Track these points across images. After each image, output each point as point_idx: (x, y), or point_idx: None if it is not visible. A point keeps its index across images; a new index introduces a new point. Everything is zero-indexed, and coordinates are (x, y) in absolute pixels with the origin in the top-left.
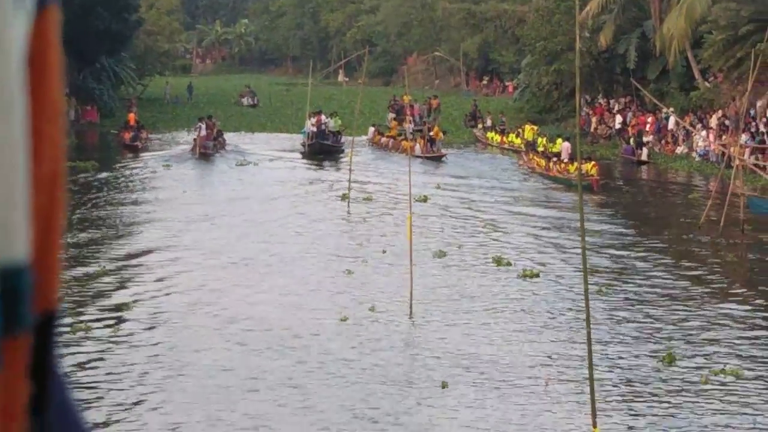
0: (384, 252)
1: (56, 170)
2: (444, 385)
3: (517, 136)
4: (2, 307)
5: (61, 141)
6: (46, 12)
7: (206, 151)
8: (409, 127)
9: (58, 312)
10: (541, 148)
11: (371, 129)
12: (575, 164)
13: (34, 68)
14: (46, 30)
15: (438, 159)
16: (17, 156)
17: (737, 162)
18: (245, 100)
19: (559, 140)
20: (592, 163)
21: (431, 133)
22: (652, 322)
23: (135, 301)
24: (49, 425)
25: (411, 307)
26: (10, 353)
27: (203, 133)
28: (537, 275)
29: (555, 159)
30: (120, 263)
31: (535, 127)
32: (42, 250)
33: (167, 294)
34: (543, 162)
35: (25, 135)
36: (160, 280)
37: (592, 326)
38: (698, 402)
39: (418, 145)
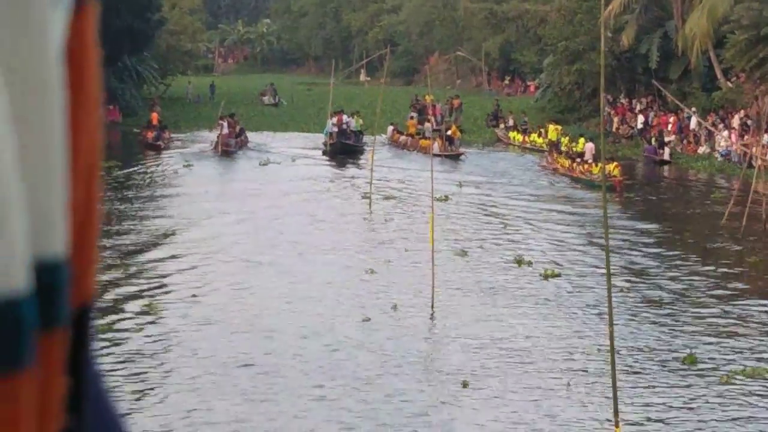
0: (406, 251)
1: (93, 163)
2: (465, 384)
3: (540, 135)
4: (40, 302)
5: (99, 134)
6: (84, 9)
7: (228, 149)
8: (429, 126)
9: (94, 306)
10: (564, 148)
11: (390, 128)
12: (599, 165)
13: (73, 64)
14: (85, 27)
15: (456, 157)
16: (57, 149)
17: (759, 162)
18: (266, 99)
19: (582, 140)
20: (615, 163)
21: (449, 132)
22: (674, 322)
23: (162, 302)
24: (86, 421)
25: (433, 307)
26: (48, 349)
27: (225, 131)
28: (558, 275)
29: (578, 159)
30: (137, 261)
31: (559, 127)
32: (79, 243)
33: (191, 291)
34: (566, 162)
35: (64, 128)
36: (182, 275)
37: (614, 325)
38: (719, 402)
39: (436, 143)
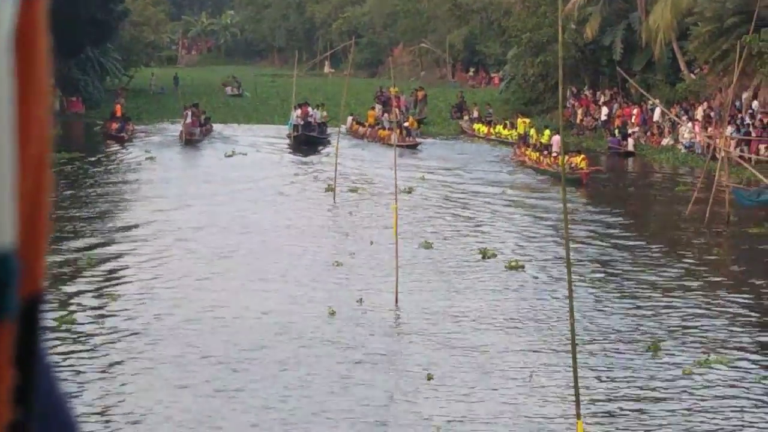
0: (372, 243)
1: (43, 153)
2: (429, 377)
3: (504, 127)
4: None
5: (48, 124)
6: None
7: (192, 138)
8: (387, 117)
9: (44, 297)
10: (532, 141)
11: (349, 118)
12: (567, 158)
13: (21, 51)
14: (34, 13)
15: (413, 147)
16: (3, 138)
17: (722, 154)
18: (229, 90)
19: (547, 132)
20: (582, 156)
21: (406, 124)
22: (636, 313)
23: (119, 294)
24: (35, 415)
25: (397, 299)
26: None
27: (189, 120)
28: (522, 267)
29: (545, 152)
30: (98, 252)
31: (527, 120)
32: (28, 233)
33: (152, 287)
34: (534, 155)
35: (11, 117)
36: (142, 267)
37: (576, 317)
38: (683, 391)
39: (394, 134)
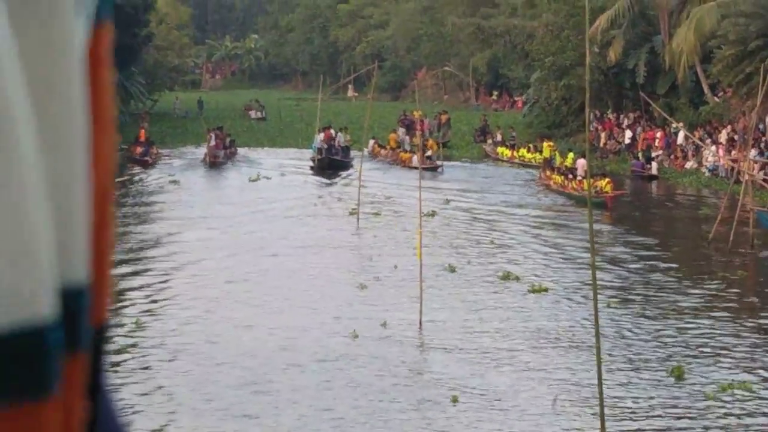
0: (395, 267)
1: (108, 184)
2: (454, 400)
3: (528, 150)
4: (65, 327)
5: (113, 156)
6: (101, 27)
7: (216, 160)
8: (408, 139)
9: (109, 327)
10: (557, 165)
11: (371, 141)
12: (591, 181)
13: (90, 83)
14: (101, 46)
15: (434, 170)
16: (81, 169)
17: (746, 177)
18: (252, 113)
19: (571, 155)
20: (607, 180)
21: (427, 146)
22: (661, 337)
23: (141, 313)
24: None
25: (421, 323)
26: (71, 374)
27: (213, 142)
28: (545, 290)
29: (570, 175)
30: (119, 273)
31: (552, 144)
32: (96, 266)
33: (178, 306)
34: (560, 179)
35: (87, 148)
36: (170, 289)
37: (601, 341)
38: (707, 417)
39: (415, 156)
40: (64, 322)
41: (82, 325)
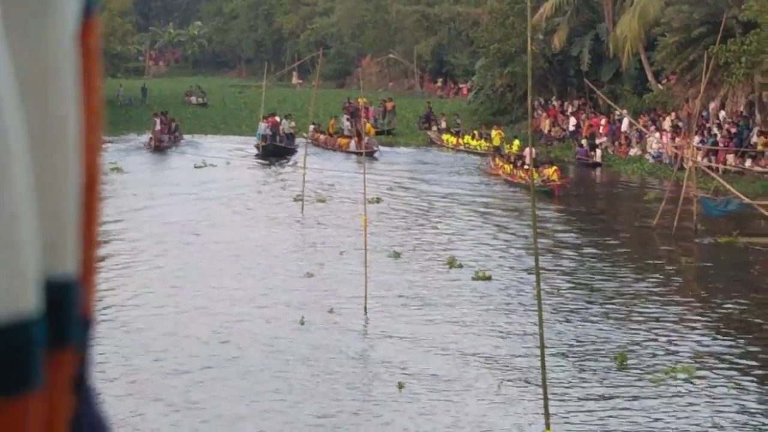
0: (341, 254)
1: (95, 177)
2: (400, 386)
3: (473, 138)
4: (50, 321)
5: (100, 147)
6: (91, 17)
7: (161, 145)
8: (347, 125)
9: (95, 322)
10: (506, 152)
11: (311, 127)
12: (539, 169)
13: (80, 73)
14: (91, 35)
15: (370, 154)
16: (72, 157)
17: (690, 164)
18: (193, 99)
19: (516, 142)
20: (554, 168)
21: (366, 130)
22: (605, 323)
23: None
24: None
25: (366, 310)
26: (56, 369)
27: (158, 127)
28: (489, 278)
29: (519, 163)
30: None
31: (501, 131)
32: (83, 258)
33: (122, 296)
34: (509, 167)
35: (77, 142)
36: (111, 280)
37: (545, 327)
38: (651, 401)
39: (353, 141)
40: (49, 316)
41: (70, 319)
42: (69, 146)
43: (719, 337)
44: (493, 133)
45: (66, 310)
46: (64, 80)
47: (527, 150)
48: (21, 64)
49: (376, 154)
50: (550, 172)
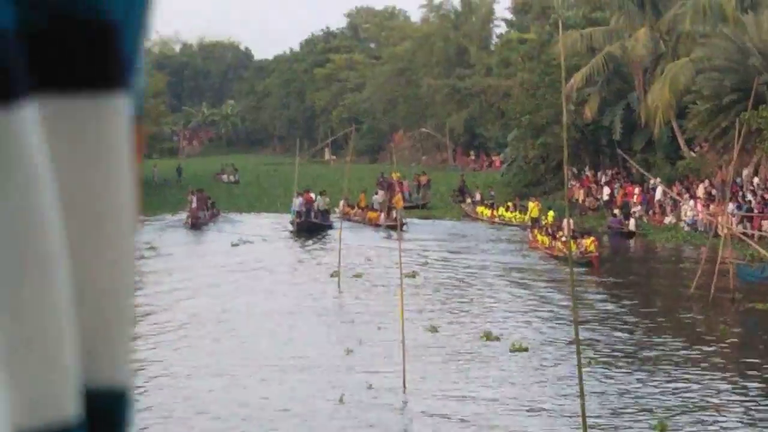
0: (379, 329)
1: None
2: None
3: (507, 209)
4: (98, 428)
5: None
6: (136, 123)
7: (198, 221)
8: (377, 198)
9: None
10: (544, 223)
11: (341, 202)
12: (577, 241)
13: None
14: (137, 141)
15: (394, 228)
16: (124, 276)
17: (725, 231)
18: (225, 177)
19: (551, 213)
20: (592, 238)
21: (393, 203)
22: (644, 393)
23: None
24: None
25: (404, 384)
26: None
27: (194, 205)
28: (526, 349)
29: (558, 235)
30: None
31: (539, 203)
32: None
33: (161, 371)
34: (547, 240)
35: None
36: (151, 354)
37: (584, 397)
38: None
39: (382, 215)
40: (96, 424)
41: (117, 427)
42: (125, 265)
43: (759, 402)
44: (531, 204)
45: (113, 418)
46: (124, 198)
47: (565, 221)
48: (80, 180)
49: (405, 227)
50: (588, 243)
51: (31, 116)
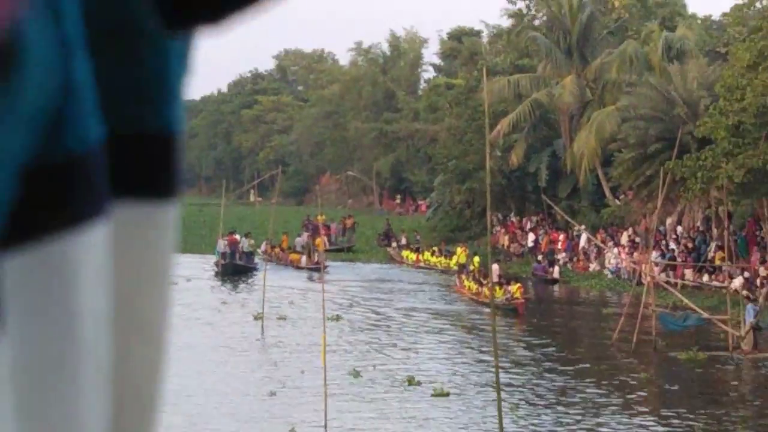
0: (302, 372)
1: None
2: None
3: (433, 254)
4: None
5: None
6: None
7: None
8: (300, 241)
9: None
10: (472, 269)
11: (264, 242)
12: (504, 287)
13: None
14: None
15: (317, 270)
16: (157, 380)
17: (648, 279)
18: None
19: (476, 258)
20: (518, 285)
21: (315, 245)
22: None
23: None
24: None
25: (326, 427)
26: None
27: None
28: (447, 394)
29: (485, 281)
30: None
31: (466, 248)
32: None
33: None
34: (474, 286)
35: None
36: None
37: None
38: None
39: (303, 257)
40: None
41: None
42: (160, 379)
43: None
44: (459, 250)
45: None
46: (169, 309)
47: (493, 267)
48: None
49: (326, 270)
50: (515, 289)
51: (103, 234)
